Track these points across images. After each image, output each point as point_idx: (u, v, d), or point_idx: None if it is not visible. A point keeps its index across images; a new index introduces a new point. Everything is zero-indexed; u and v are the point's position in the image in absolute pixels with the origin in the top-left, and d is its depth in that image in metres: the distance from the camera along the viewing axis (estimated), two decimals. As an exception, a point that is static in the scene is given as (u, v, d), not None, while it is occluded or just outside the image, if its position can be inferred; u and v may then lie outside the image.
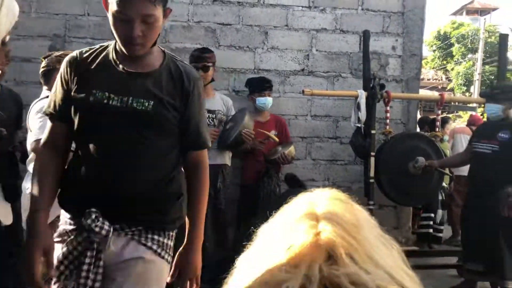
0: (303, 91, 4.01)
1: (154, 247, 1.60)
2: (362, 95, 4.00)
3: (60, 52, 2.86)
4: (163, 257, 1.63)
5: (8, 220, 2.60)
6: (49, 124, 1.69)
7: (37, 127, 2.53)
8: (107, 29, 2.43)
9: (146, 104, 1.57)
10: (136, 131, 1.56)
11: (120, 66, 1.60)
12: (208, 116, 3.65)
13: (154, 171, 1.60)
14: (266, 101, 4.09)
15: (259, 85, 4.12)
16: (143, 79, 1.60)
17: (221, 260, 3.60)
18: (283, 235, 0.63)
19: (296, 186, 3.97)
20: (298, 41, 4.56)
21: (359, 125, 4.02)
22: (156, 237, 1.62)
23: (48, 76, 2.79)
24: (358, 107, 4.01)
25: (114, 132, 1.56)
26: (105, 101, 1.55)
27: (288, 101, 4.54)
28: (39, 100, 2.79)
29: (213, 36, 4.46)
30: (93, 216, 1.51)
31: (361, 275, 0.53)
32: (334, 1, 4.58)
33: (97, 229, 1.51)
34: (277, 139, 4.03)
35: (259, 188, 3.98)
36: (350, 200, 0.67)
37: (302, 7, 4.55)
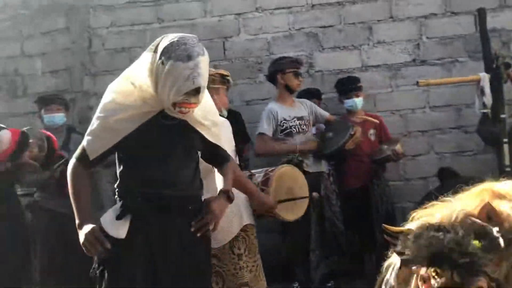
0: (417, 82, 3.79)
1: None
2: (485, 78, 3.70)
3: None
4: None
5: None
6: None
7: None
8: None
9: None
10: None
11: None
12: (298, 123, 3.72)
13: None
14: (354, 102, 3.97)
15: (345, 87, 4.02)
16: None
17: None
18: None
19: (453, 179, 3.62)
20: (405, 31, 4.36)
21: (485, 110, 3.71)
22: None
23: None
24: (481, 91, 3.70)
25: None
26: None
27: (402, 94, 4.34)
28: None
29: (315, 41, 4.44)
30: None
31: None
32: (441, -17, 4.33)
33: None
34: (376, 121, 3.94)
35: (368, 191, 3.86)
36: None
37: (406, -5, 4.36)
